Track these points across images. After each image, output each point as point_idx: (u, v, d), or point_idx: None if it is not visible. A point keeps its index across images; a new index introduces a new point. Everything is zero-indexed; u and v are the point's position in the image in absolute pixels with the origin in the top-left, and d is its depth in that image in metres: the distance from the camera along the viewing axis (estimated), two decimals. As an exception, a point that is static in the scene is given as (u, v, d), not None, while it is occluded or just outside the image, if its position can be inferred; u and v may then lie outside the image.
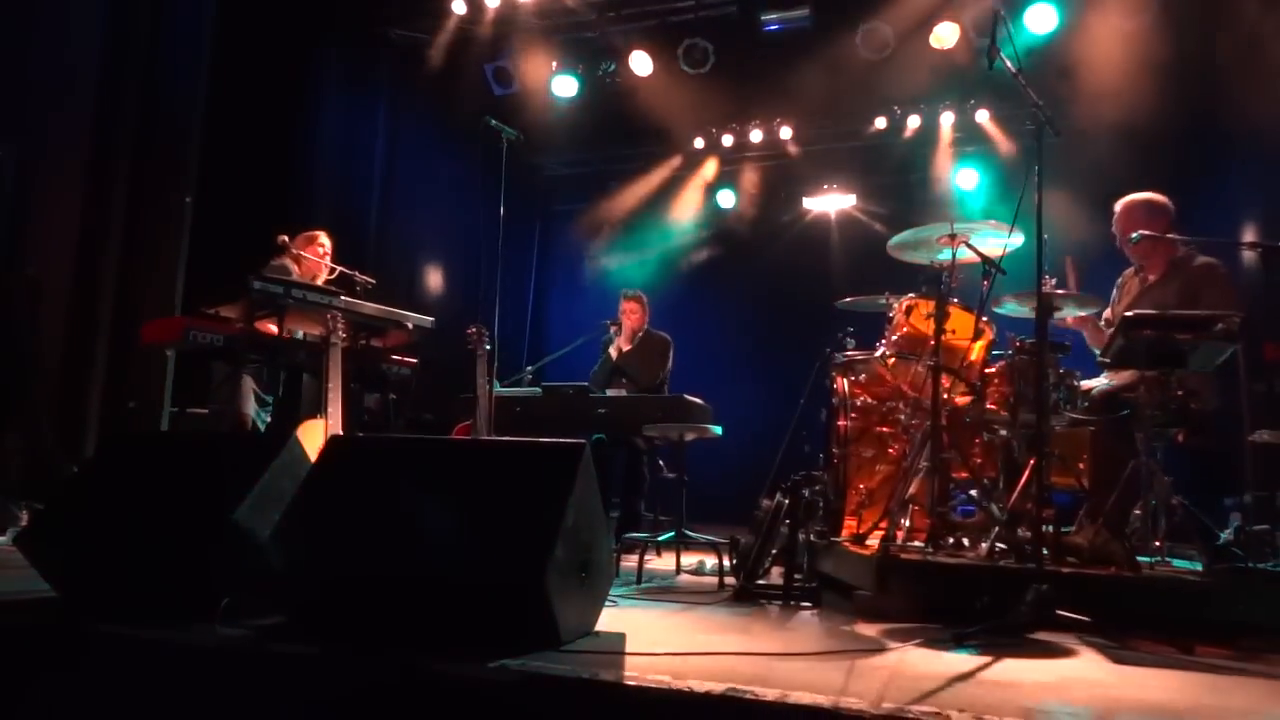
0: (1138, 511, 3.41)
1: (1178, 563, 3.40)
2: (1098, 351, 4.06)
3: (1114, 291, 4.29)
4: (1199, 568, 3.27)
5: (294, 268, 4.92)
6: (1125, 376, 3.74)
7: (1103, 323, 4.18)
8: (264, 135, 6.42)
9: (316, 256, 5.00)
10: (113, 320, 5.39)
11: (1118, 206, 4.17)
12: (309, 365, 4.44)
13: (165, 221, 5.69)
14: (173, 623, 2.30)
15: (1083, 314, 4.06)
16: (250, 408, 4.56)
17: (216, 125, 5.97)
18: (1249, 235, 5.55)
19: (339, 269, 4.89)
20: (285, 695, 2.08)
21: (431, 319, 4.74)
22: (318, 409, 4.19)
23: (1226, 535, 3.66)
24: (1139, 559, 3.19)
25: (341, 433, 4.13)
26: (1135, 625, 2.75)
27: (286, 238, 4.86)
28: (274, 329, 4.30)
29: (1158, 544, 3.36)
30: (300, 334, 4.55)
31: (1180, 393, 3.44)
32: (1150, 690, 2.12)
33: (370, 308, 4.48)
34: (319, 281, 4.90)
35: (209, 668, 2.16)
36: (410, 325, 4.61)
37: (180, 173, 5.80)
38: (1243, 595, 2.92)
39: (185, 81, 5.85)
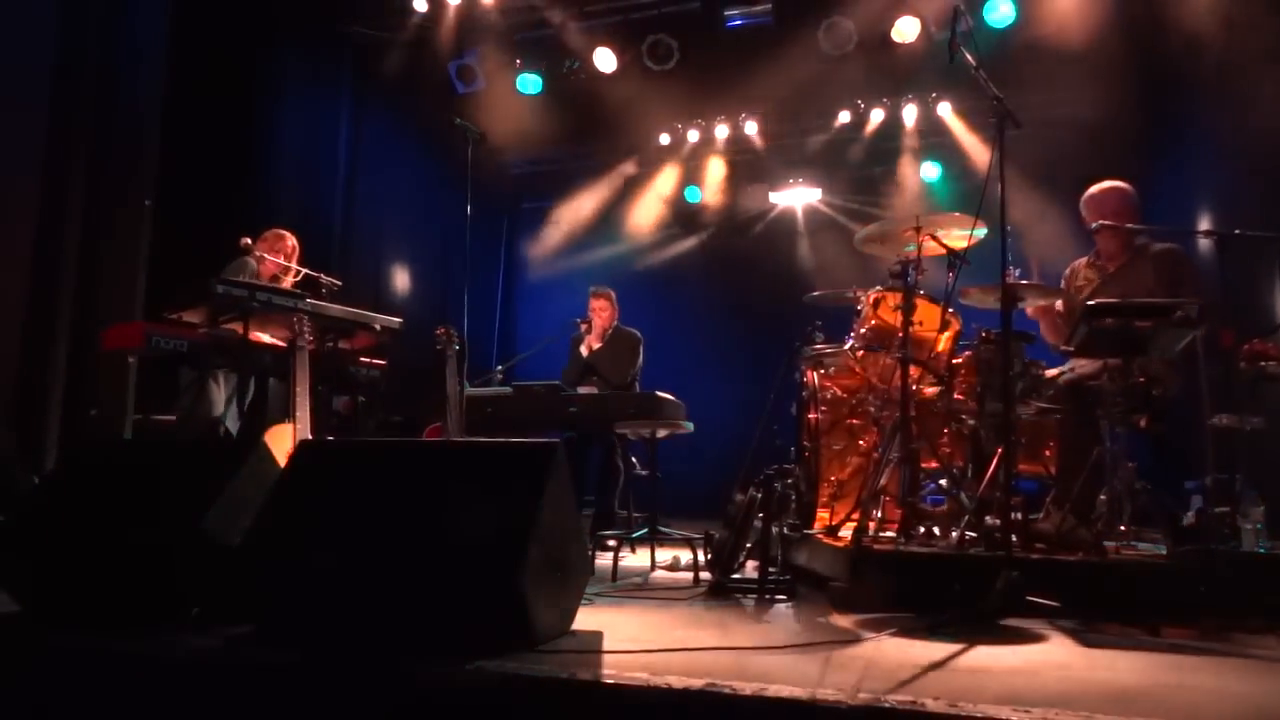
0: (1103, 497, 3.47)
1: (1143, 546, 3.46)
2: (1051, 343, 4.12)
3: (1062, 282, 4.31)
4: (1163, 551, 3.34)
5: (255, 267, 4.84)
6: (1089, 365, 3.80)
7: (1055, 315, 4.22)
8: (225, 136, 6.32)
9: (281, 257, 4.91)
10: (72, 327, 5.29)
11: (1086, 194, 4.22)
12: (275, 369, 4.38)
13: (125, 225, 5.59)
14: (143, 633, 2.27)
15: (1041, 303, 4.11)
16: (221, 413, 4.50)
17: (176, 126, 5.87)
18: (1203, 224, 5.66)
19: (304, 271, 4.83)
20: (260, 705, 2.06)
21: (399, 320, 4.69)
22: (285, 413, 4.14)
23: (1189, 518, 3.74)
24: (1105, 543, 3.25)
25: (310, 437, 4.09)
26: (1103, 608, 2.81)
27: (249, 240, 4.78)
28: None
29: (1123, 528, 3.42)
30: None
31: (1142, 379, 3.50)
32: (1119, 672, 2.17)
33: (336, 309, 4.43)
34: (283, 283, 4.83)
35: (181, 678, 2.13)
36: (378, 326, 4.57)
37: (139, 175, 5.69)
38: (1205, 577, 2.98)
39: (143, 82, 5.74)
